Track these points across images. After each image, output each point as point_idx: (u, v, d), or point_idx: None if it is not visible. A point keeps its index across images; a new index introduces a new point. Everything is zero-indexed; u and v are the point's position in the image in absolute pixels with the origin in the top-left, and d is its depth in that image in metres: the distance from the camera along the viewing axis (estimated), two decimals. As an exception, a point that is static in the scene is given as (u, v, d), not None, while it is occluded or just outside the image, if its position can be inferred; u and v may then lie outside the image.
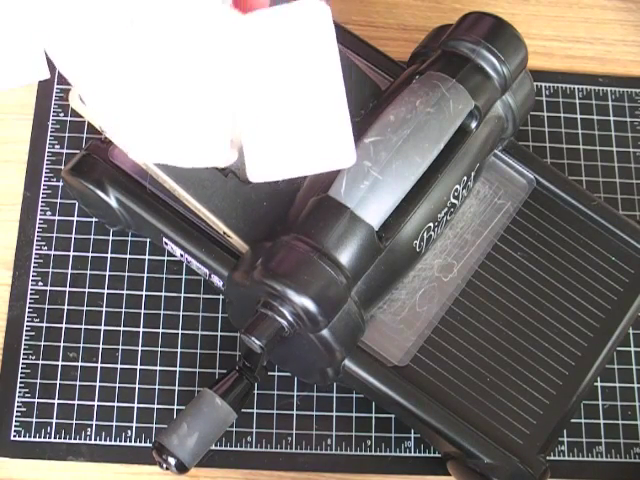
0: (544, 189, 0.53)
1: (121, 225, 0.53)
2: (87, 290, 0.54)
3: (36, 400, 0.52)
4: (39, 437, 0.51)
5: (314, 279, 0.42)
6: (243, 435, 0.52)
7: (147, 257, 0.55)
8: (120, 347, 0.53)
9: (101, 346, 0.53)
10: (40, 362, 0.53)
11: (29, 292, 0.54)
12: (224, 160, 0.40)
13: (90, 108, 0.43)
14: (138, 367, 0.53)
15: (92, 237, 0.55)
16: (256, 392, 0.53)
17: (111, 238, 0.55)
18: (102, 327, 0.53)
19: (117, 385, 0.52)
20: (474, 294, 0.51)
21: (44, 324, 0.53)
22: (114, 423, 0.52)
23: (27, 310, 0.54)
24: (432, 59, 0.49)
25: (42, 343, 0.53)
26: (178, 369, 0.53)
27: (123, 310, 0.54)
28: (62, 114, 0.58)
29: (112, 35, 0.36)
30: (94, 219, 0.56)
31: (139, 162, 0.47)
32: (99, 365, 0.53)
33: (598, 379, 0.54)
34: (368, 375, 0.47)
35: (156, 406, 0.52)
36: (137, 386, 0.52)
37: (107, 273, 0.55)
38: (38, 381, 0.52)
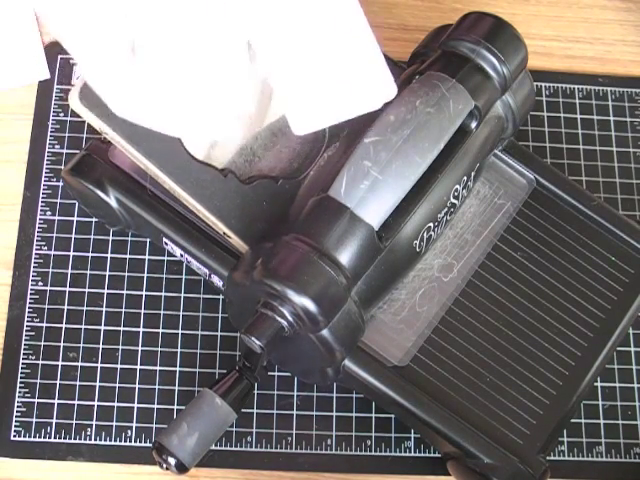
0: (544, 189, 0.53)
1: (121, 225, 0.53)
2: (87, 290, 0.54)
3: (36, 400, 0.52)
4: (39, 437, 0.51)
5: (314, 279, 0.42)
6: (243, 435, 0.52)
7: (147, 257, 0.55)
8: (120, 347, 0.53)
9: (101, 346, 0.53)
10: (40, 362, 0.53)
11: (29, 292, 0.54)
12: (230, 133, 0.39)
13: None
14: (138, 367, 0.53)
15: (92, 237, 0.55)
16: (256, 392, 0.53)
17: (111, 238, 0.55)
18: (102, 327, 0.53)
19: (117, 385, 0.52)
20: (474, 294, 0.51)
21: (44, 324, 0.53)
22: (114, 423, 0.52)
23: (27, 310, 0.54)
24: (432, 59, 0.49)
25: (42, 343, 0.53)
26: (178, 369, 0.53)
27: (123, 310, 0.54)
28: (62, 114, 0.58)
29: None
30: (94, 219, 0.56)
31: (138, 163, 0.47)
32: (99, 365, 0.53)
33: (598, 379, 0.54)
34: (368, 375, 0.47)
35: (156, 406, 0.52)
36: (137, 386, 0.52)
37: (107, 273, 0.55)
38: (38, 381, 0.52)
